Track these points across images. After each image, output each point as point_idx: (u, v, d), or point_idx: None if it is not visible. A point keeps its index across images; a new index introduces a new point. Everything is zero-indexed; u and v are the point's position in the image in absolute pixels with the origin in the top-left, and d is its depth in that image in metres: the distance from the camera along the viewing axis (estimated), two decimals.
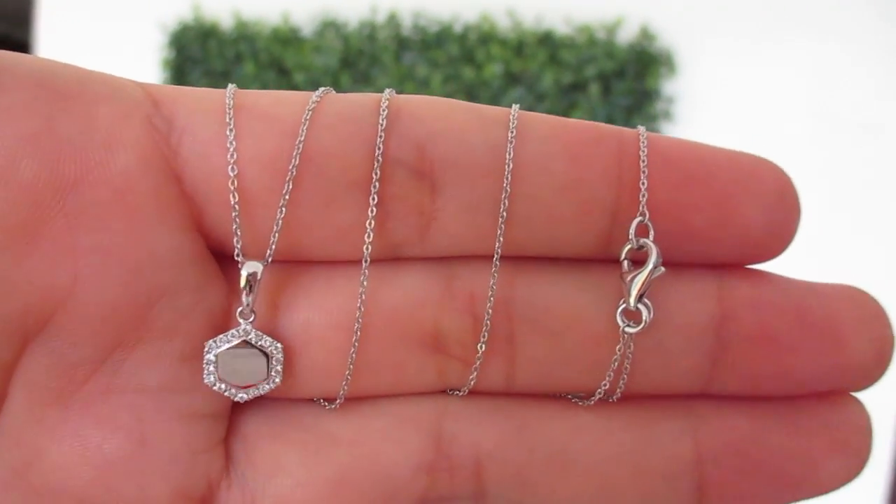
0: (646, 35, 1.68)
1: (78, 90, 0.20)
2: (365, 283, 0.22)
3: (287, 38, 1.96)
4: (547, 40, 1.74)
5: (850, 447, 0.23)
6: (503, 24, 1.78)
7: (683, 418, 0.23)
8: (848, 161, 1.49)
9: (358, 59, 1.90)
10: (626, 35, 1.71)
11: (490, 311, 0.22)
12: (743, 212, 0.22)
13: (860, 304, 0.23)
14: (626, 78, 1.67)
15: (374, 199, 0.21)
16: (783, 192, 0.22)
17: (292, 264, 0.22)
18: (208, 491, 0.22)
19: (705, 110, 1.64)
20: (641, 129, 0.22)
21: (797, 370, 0.23)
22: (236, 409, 0.23)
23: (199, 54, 2.03)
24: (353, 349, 0.22)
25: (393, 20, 1.88)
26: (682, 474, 0.23)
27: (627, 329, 0.22)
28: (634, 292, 0.22)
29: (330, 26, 1.93)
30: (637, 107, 1.68)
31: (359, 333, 0.22)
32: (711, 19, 1.63)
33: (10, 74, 0.19)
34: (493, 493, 0.23)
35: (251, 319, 0.22)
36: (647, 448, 0.23)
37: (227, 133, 0.21)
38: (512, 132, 0.22)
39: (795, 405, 0.24)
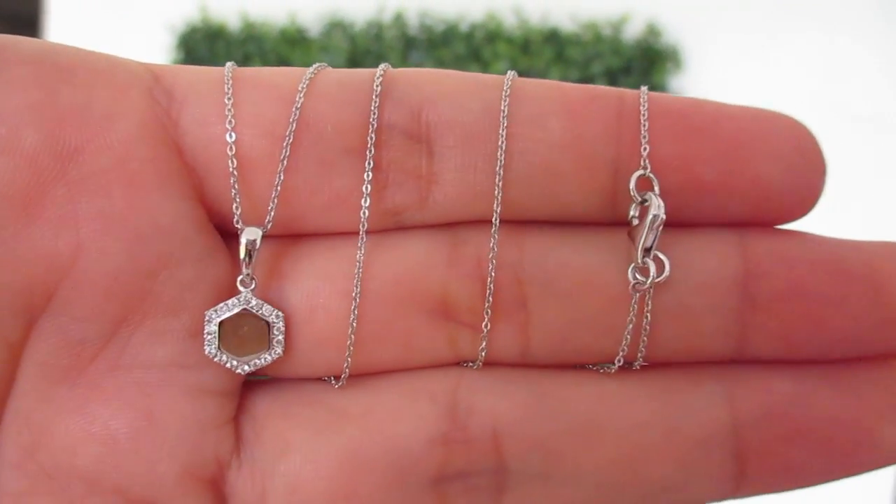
0: (652, 31, 1.68)
1: (79, 65, 0.20)
2: (363, 247, 0.22)
3: (294, 38, 1.96)
4: (553, 38, 1.73)
5: None
6: (509, 22, 1.78)
7: (717, 381, 0.22)
8: (856, 155, 1.48)
9: (365, 59, 1.90)
10: (633, 31, 1.70)
11: (493, 272, 0.22)
12: (756, 165, 0.21)
13: None
14: (632, 74, 1.67)
15: (370, 163, 0.21)
16: (803, 146, 0.21)
17: (294, 237, 0.22)
18: (218, 470, 0.21)
19: None
20: (643, 88, 0.22)
21: (837, 329, 0.21)
22: (246, 389, 0.23)
23: (207, 55, 2.03)
24: (352, 317, 0.21)
25: (399, 20, 1.88)
26: (718, 440, 0.22)
27: (637, 285, 0.22)
28: (639, 246, 0.21)
29: (337, 26, 1.94)
30: None
31: (358, 300, 0.21)
32: (717, 14, 1.62)
33: (13, 51, 0.20)
34: (514, 466, 0.22)
35: (251, 287, 0.21)
36: (678, 413, 0.22)
37: (226, 101, 0.21)
38: (506, 91, 0.22)
39: (843, 366, 0.22)
